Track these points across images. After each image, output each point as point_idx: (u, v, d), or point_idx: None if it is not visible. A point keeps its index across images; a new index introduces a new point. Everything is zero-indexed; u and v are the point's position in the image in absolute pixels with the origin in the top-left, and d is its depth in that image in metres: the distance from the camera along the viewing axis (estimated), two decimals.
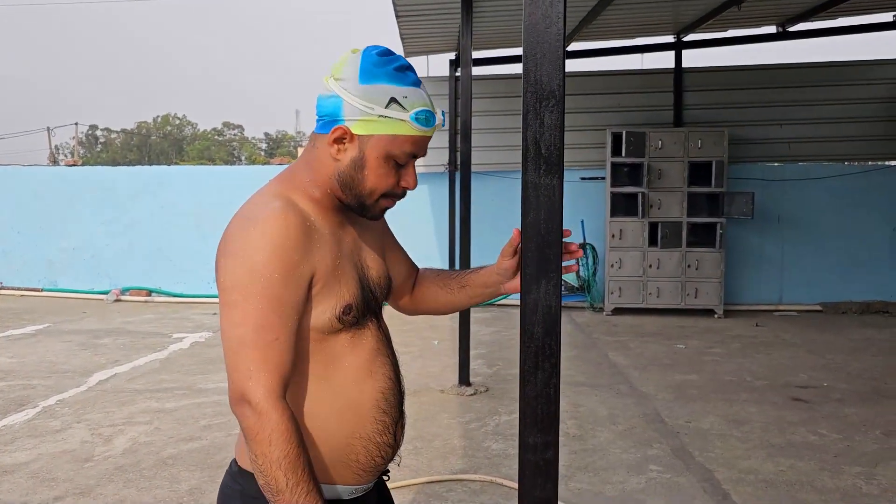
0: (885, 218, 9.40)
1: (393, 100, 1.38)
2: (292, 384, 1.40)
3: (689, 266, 9.01)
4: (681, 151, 8.93)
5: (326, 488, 1.46)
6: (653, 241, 9.07)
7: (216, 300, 10.34)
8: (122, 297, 10.63)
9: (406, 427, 1.64)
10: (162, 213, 10.79)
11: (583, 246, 9.41)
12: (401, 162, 1.44)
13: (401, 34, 8.40)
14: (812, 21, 8.92)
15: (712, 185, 8.86)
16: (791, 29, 9.11)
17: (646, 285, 9.11)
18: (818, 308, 9.44)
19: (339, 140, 1.41)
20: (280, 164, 13.75)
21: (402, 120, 1.39)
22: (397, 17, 7.56)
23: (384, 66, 1.40)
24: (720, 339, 7.76)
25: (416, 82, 1.43)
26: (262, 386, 1.30)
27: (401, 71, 1.41)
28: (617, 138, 9.05)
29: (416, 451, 4.37)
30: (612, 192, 9.10)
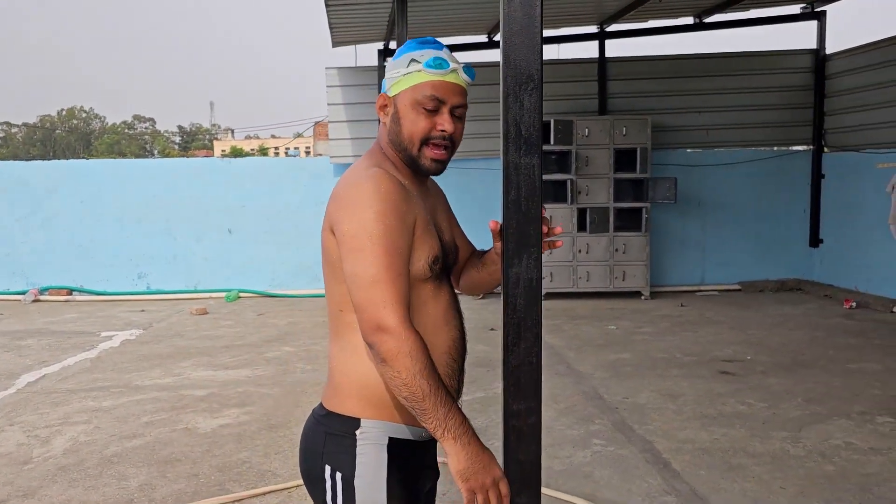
0: (796, 200, 9.92)
1: (412, 60, 1.65)
2: None
3: (616, 250, 9.30)
4: (606, 139, 9.20)
5: (400, 428, 1.64)
6: (581, 227, 9.32)
7: (142, 297, 10.12)
8: (42, 297, 10.20)
9: None
10: (81, 209, 10.39)
11: None
12: (428, 107, 1.64)
13: (329, 23, 8.36)
14: (726, 12, 9.33)
15: (637, 171, 9.17)
16: (707, 20, 9.51)
17: (576, 270, 9.36)
18: (737, 287, 9.90)
19: (382, 107, 1.70)
20: (206, 157, 13.47)
21: (418, 70, 1.63)
22: (326, 5, 7.51)
23: (410, 43, 1.69)
24: (649, 319, 8.07)
25: (438, 47, 1.68)
26: (396, 314, 1.50)
27: (423, 42, 1.68)
28: (545, 127, 9.25)
29: None
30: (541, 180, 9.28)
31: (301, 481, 1.79)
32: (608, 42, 9.82)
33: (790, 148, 10.16)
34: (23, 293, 10.23)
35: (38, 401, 5.36)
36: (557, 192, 9.30)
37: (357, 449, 1.61)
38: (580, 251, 9.31)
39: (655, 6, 8.65)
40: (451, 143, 1.68)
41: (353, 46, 10.20)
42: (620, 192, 9.30)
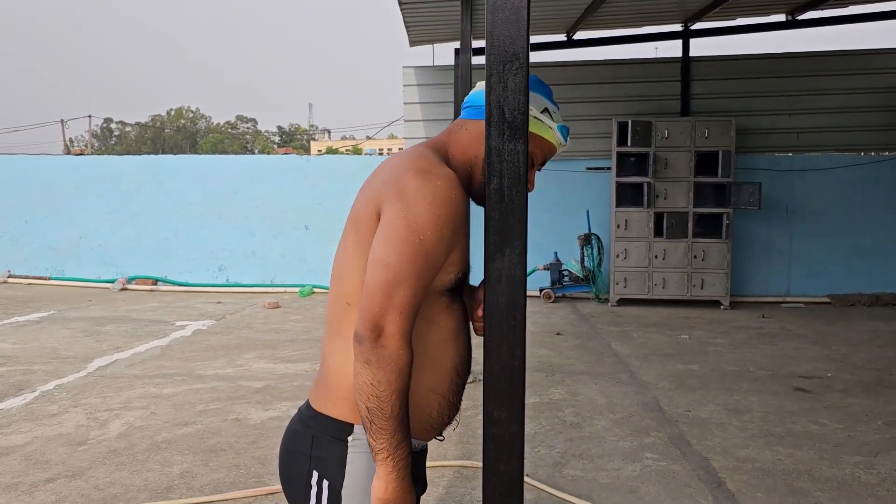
0: (894, 209, 9.27)
1: (546, 109, 1.60)
2: None
3: (695, 257, 8.93)
4: (687, 141, 8.84)
5: None
6: (658, 232, 8.99)
7: (221, 289, 10.42)
8: (129, 286, 10.65)
9: None
10: (168, 203, 10.80)
11: (588, 237, 9.34)
12: (536, 162, 1.62)
13: (405, 22, 8.36)
14: (822, 9, 8.80)
15: (719, 176, 8.77)
16: (800, 17, 9.00)
17: (651, 276, 9.04)
18: (826, 300, 9.33)
19: None
20: (286, 154, 13.77)
21: (550, 127, 1.61)
22: (400, 4, 7.52)
23: (541, 83, 1.63)
24: (725, 329, 7.69)
25: (556, 105, 1.66)
26: (400, 325, 1.42)
27: (551, 93, 1.65)
28: (623, 128, 8.97)
29: None
30: (617, 182, 9.03)
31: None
32: (693, 41, 9.44)
33: (888, 153, 9.50)
34: (111, 282, 10.71)
35: (104, 385, 5.55)
36: (634, 196, 9.01)
37: (348, 457, 1.50)
38: (656, 257, 8.98)
39: (744, 2, 8.26)
40: None
41: (430, 46, 10.19)
42: (701, 196, 8.92)
